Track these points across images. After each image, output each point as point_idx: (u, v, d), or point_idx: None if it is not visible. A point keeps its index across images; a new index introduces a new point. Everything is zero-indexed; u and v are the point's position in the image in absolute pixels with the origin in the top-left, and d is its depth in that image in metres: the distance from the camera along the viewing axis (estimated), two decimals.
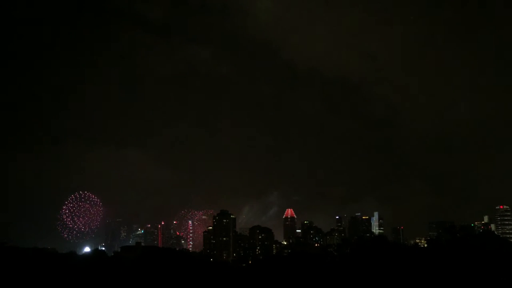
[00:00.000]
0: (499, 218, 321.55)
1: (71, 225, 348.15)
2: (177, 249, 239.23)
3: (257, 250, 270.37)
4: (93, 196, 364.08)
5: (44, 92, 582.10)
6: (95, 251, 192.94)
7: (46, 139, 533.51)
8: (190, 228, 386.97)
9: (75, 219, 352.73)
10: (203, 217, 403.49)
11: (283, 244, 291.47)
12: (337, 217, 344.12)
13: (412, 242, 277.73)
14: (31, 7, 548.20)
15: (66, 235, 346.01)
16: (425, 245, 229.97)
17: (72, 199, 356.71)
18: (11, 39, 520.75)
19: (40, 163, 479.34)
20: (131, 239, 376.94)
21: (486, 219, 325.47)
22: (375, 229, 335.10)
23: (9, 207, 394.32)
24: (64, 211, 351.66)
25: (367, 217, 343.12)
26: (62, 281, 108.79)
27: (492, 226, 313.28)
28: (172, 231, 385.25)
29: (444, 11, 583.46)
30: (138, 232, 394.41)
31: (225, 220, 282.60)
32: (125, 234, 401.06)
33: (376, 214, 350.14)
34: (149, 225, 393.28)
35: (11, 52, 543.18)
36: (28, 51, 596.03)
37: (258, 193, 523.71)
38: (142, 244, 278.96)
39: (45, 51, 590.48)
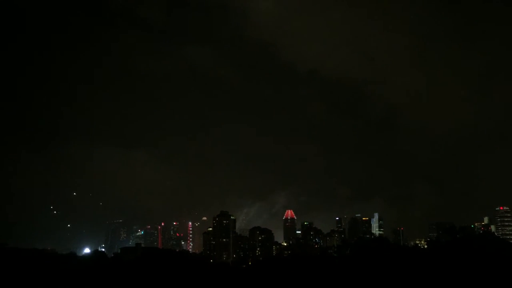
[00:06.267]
0: (499, 219, 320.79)
1: None
2: (177, 250, 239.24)
3: (257, 251, 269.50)
4: None
5: (46, 91, 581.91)
6: (95, 252, 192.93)
7: (47, 139, 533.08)
8: (190, 229, 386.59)
9: None
10: (203, 218, 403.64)
11: (283, 245, 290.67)
12: (336, 218, 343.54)
13: (412, 243, 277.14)
14: (29, 7, 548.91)
15: None
16: (425, 246, 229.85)
17: None
18: (12, 39, 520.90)
19: (42, 163, 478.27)
20: (131, 240, 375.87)
21: (486, 220, 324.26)
22: (375, 230, 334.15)
23: (9, 208, 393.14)
24: None
25: (367, 218, 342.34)
26: (62, 282, 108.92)
27: (492, 227, 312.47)
28: (172, 232, 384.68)
29: (445, 12, 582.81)
30: (138, 233, 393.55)
31: (225, 221, 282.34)
32: (125, 235, 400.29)
33: (376, 215, 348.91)
34: (149, 226, 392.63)
35: (12, 51, 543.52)
36: (29, 51, 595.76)
37: (259, 194, 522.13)
38: (142, 245, 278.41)
39: (46, 51, 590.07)
